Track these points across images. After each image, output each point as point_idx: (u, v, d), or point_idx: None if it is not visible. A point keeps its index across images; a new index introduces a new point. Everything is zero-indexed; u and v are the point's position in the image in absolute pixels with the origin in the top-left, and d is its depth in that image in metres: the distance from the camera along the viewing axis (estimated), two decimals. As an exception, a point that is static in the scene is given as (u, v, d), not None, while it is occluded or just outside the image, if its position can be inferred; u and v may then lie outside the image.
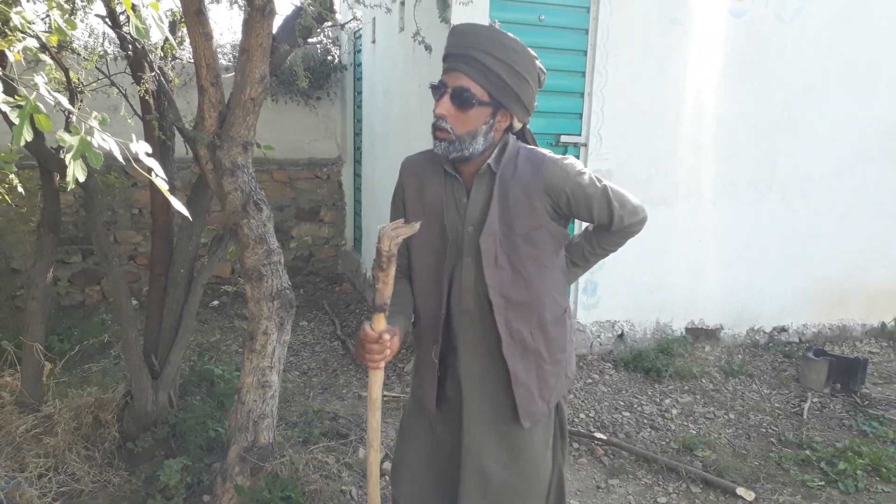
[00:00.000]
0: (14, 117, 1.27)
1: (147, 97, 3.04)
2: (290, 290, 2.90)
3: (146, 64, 3.06)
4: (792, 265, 5.03)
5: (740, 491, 3.12)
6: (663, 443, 3.61)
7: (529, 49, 1.72)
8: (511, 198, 1.73)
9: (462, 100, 1.66)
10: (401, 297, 1.84)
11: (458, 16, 3.72)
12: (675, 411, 3.97)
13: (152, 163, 1.19)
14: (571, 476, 3.26)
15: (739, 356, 4.84)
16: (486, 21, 4.06)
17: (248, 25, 2.68)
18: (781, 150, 4.83)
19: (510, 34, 1.69)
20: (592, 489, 3.17)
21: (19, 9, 1.13)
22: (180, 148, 3.26)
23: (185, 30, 2.96)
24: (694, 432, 3.72)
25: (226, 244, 3.31)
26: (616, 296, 4.71)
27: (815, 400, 4.21)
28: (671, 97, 4.52)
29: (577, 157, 4.47)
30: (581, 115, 4.44)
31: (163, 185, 1.18)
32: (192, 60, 2.81)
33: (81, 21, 3.28)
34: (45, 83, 1.41)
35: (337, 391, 4.18)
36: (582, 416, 3.87)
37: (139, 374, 3.13)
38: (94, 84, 3.41)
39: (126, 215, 6.01)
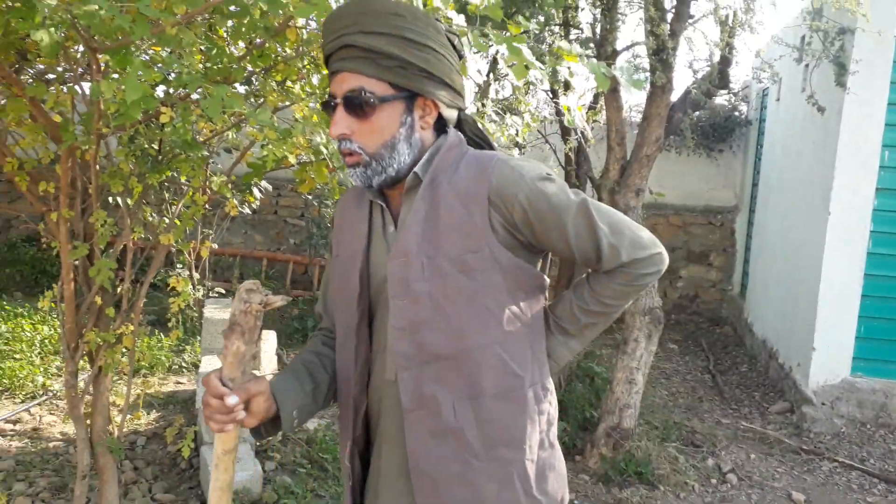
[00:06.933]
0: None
1: (569, 153, 4.06)
2: (659, 310, 3.60)
3: (572, 129, 4.10)
4: None
5: None
6: None
7: (419, 7, 1.23)
8: (443, 209, 1.25)
9: (357, 104, 1.22)
10: (304, 356, 1.39)
11: (855, 81, 3.95)
12: None
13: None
14: None
15: None
16: (886, 88, 4.12)
17: (650, 99, 3.51)
18: None
19: None
20: None
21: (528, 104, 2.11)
22: (588, 191, 4.24)
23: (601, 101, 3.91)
24: None
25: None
26: None
27: None
28: None
29: None
30: None
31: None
32: (604, 124, 3.75)
33: (532, 97, 4.48)
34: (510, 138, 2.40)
35: (699, 413, 4.66)
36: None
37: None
38: (534, 142, 4.60)
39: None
